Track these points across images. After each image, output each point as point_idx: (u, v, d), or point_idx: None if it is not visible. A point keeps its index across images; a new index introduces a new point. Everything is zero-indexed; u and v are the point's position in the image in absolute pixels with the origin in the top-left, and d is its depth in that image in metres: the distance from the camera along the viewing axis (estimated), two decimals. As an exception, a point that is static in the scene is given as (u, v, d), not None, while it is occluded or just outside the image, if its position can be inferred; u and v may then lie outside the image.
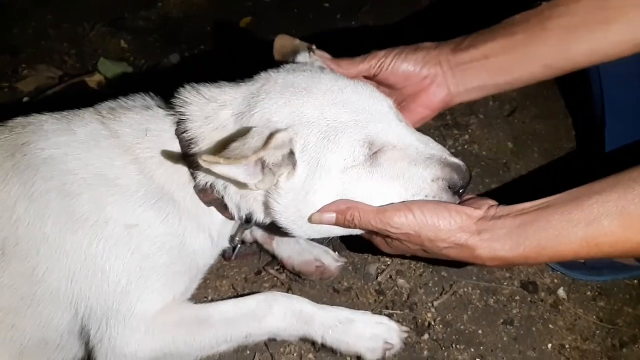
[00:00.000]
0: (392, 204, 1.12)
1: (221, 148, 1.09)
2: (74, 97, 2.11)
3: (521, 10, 1.26)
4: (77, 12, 2.64)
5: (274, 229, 1.27)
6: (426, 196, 1.12)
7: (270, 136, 1.07)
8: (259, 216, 1.23)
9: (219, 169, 1.05)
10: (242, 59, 2.35)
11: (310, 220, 1.13)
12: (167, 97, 1.31)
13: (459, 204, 1.12)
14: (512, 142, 2.00)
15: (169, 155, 1.21)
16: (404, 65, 1.28)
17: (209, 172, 1.13)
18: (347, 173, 1.11)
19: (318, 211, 1.12)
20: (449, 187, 1.13)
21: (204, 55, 2.44)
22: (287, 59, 1.31)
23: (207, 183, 1.19)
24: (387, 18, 2.60)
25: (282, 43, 1.34)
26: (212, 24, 2.63)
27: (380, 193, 1.12)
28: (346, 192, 1.12)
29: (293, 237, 1.25)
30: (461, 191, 1.15)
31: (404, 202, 1.11)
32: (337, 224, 1.12)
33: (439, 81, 1.28)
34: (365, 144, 1.11)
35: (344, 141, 1.10)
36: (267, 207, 1.18)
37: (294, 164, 1.11)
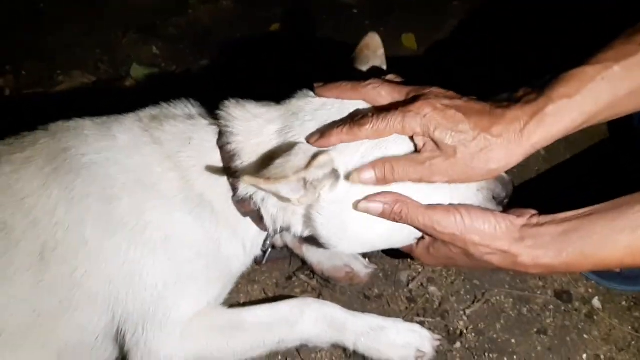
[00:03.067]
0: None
1: (263, 164, 1.11)
2: (108, 101, 2.15)
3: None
4: (110, 20, 2.69)
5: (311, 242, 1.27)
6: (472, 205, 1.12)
7: (314, 157, 1.06)
8: (297, 229, 1.23)
9: (261, 186, 1.06)
10: (269, 64, 2.38)
11: (355, 207, 1.11)
12: (200, 101, 1.33)
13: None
14: (544, 149, 1.97)
15: (209, 165, 1.22)
16: None
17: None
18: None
19: (364, 199, 1.10)
20: (493, 197, 1.13)
21: (233, 60, 2.46)
22: (363, 57, 1.33)
23: (246, 194, 1.20)
24: (416, 23, 2.61)
25: (371, 42, 1.33)
26: (241, 29, 2.66)
27: (426, 202, 1.11)
28: None
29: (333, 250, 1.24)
30: (505, 202, 1.15)
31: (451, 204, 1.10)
32: (382, 214, 1.09)
33: None
34: None
35: (391, 153, 1.10)
36: (307, 219, 1.19)
37: (337, 177, 1.11)
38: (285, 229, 1.26)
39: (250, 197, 1.21)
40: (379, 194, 1.10)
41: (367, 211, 1.11)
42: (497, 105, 1.05)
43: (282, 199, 1.13)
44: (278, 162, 1.07)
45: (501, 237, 1.05)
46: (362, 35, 1.36)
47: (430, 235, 1.13)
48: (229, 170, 1.21)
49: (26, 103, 2.19)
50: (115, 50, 2.53)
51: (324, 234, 1.18)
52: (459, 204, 1.10)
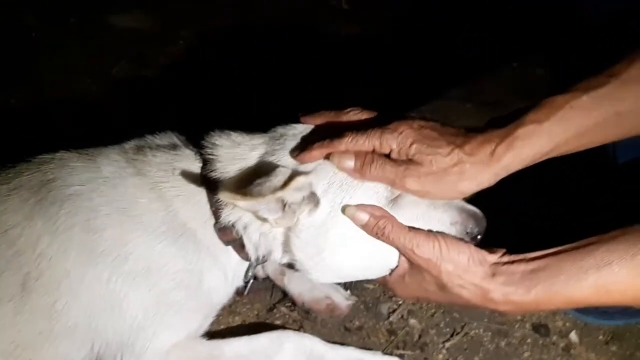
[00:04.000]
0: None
1: (244, 182, 1.13)
2: (96, 131, 2.17)
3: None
4: (102, 48, 2.73)
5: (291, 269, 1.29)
6: None
7: (290, 178, 1.10)
8: (277, 255, 1.25)
9: (238, 204, 1.08)
10: (260, 94, 2.42)
11: (343, 211, 1.13)
12: (190, 130, 1.37)
13: None
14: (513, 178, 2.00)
15: (193, 194, 1.25)
16: None
17: (232, 210, 1.18)
18: None
19: (355, 206, 1.12)
20: (466, 233, 1.16)
21: (223, 91, 2.50)
22: None
23: (229, 222, 1.22)
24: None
25: None
26: (232, 60, 2.70)
27: None
28: None
29: (310, 279, 1.25)
30: (478, 237, 1.17)
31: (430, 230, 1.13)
32: (366, 226, 1.12)
33: None
34: (389, 186, 1.13)
35: (368, 182, 1.13)
36: (286, 244, 1.20)
37: (316, 202, 1.14)
38: (266, 256, 1.28)
39: (232, 225, 1.23)
40: (367, 205, 1.13)
41: (352, 218, 1.13)
42: (470, 129, 1.11)
43: (260, 218, 1.16)
44: (257, 181, 1.10)
45: (474, 270, 1.07)
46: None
47: (407, 258, 1.14)
48: (212, 198, 1.23)
49: (14, 131, 2.21)
50: (105, 79, 2.57)
51: (300, 258, 1.19)
52: (439, 232, 1.12)
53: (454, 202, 1.17)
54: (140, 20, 3.02)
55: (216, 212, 1.23)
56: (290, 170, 1.13)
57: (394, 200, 1.14)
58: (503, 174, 1.07)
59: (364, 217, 1.12)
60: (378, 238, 1.13)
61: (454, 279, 1.08)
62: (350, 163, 1.11)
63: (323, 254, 1.16)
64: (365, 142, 1.11)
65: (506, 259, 1.08)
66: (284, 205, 1.12)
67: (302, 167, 1.15)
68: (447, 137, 1.08)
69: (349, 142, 1.12)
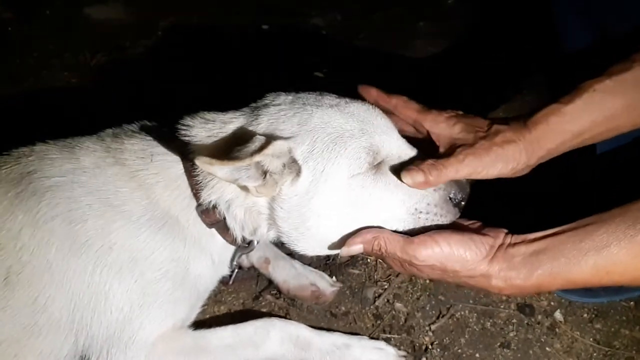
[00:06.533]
0: (413, 229, 1.15)
1: (222, 153, 1.11)
2: (74, 122, 2.14)
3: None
4: (79, 41, 2.69)
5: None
6: (428, 203, 1.15)
7: (267, 142, 1.09)
8: (263, 230, 1.24)
9: (215, 170, 1.07)
10: (240, 81, 2.40)
11: (341, 254, 1.15)
12: (166, 119, 1.35)
13: (475, 231, 1.13)
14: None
15: (173, 178, 1.23)
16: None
17: (212, 188, 1.18)
18: (352, 179, 1.13)
19: (345, 245, 1.13)
20: (450, 198, 1.15)
21: (204, 79, 2.48)
22: None
23: (210, 202, 1.21)
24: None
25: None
26: (211, 50, 2.68)
27: (384, 199, 1.14)
28: (350, 197, 1.13)
29: (296, 251, 1.24)
30: (462, 203, 1.17)
31: (428, 233, 1.11)
32: (365, 252, 1.14)
33: None
34: (370, 152, 1.13)
35: (350, 147, 1.13)
36: (271, 217, 1.19)
37: (297, 171, 1.13)
38: (253, 234, 1.27)
39: (214, 206, 1.22)
40: (356, 235, 1.13)
41: (349, 253, 1.14)
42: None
43: (241, 187, 1.15)
44: (236, 149, 1.09)
45: (482, 261, 1.07)
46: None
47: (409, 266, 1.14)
48: (192, 180, 1.22)
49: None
50: (83, 72, 2.53)
51: (285, 230, 1.18)
52: (438, 233, 1.10)
53: None
54: (115, 12, 2.99)
55: (197, 193, 1.22)
56: (265, 138, 1.11)
57: (377, 167, 1.15)
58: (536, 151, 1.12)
59: (359, 247, 1.13)
60: (379, 257, 1.16)
61: (461, 273, 1.09)
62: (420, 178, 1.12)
63: (307, 223, 1.15)
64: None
65: (508, 241, 1.09)
66: (265, 174, 1.11)
67: (280, 133, 1.14)
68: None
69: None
